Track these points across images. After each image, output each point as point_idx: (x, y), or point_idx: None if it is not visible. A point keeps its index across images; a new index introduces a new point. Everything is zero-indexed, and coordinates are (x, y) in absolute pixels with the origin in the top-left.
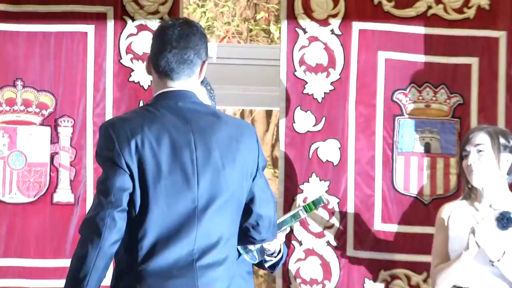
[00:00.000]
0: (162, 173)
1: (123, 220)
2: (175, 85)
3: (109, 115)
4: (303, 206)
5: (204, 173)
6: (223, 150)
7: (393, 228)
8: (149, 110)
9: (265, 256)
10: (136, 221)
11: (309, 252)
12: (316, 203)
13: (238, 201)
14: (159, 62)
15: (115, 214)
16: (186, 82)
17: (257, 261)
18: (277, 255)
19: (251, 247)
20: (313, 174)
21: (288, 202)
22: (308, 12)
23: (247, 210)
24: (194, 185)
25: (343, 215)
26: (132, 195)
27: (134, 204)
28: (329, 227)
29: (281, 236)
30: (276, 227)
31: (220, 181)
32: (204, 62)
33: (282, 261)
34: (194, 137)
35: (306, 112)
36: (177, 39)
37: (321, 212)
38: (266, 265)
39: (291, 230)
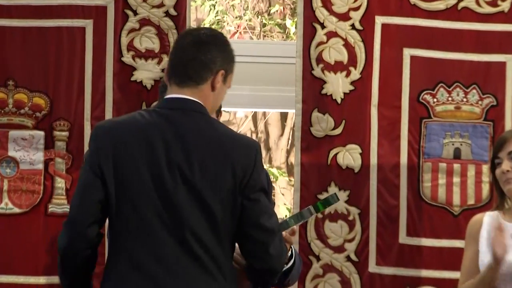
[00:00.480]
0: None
1: None
2: (181, 92)
3: (109, 118)
4: (312, 205)
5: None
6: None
7: (419, 241)
8: (142, 115)
9: None
10: None
11: (328, 268)
12: (326, 202)
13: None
14: (169, 68)
15: None
16: (193, 90)
17: None
18: (288, 261)
19: None
20: (332, 183)
21: None
22: (327, 5)
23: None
24: None
25: (364, 227)
26: None
27: None
28: (350, 240)
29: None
30: None
31: None
32: (219, 72)
33: (295, 272)
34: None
35: (324, 114)
36: (187, 47)
37: (340, 224)
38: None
39: (308, 244)
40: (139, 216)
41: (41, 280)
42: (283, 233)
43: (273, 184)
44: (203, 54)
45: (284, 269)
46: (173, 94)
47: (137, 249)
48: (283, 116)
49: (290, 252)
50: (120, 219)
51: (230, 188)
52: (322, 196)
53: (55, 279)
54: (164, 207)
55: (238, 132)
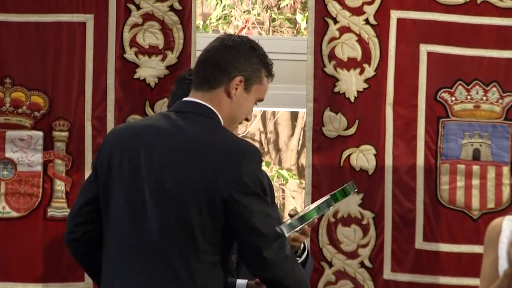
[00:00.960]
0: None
1: None
2: (194, 95)
3: (110, 118)
4: (330, 195)
5: None
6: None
7: (437, 247)
8: (154, 117)
9: None
10: None
11: (340, 275)
12: (345, 192)
13: None
14: (193, 72)
15: None
16: (205, 94)
17: None
18: (302, 253)
19: None
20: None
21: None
22: None
23: None
24: None
25: (379, 232)
26: None
27: None
28: (363, 245)
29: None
30: None
31: None
32: (236, 77)
33: (308, 269)
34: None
35: (336, 114)
36: (210, 50)
37: (354, 228)
38: None
39: (320, 250)
40: (116, 221)
41: (40, 287)
42: (291, 234)
43: (283, 187)
44: (222, 57)
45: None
46: (189, 97)
47: (111, 255)
48: (294, 116)
49: (302, 245)
50: (105, 222)
51: (211, 194)
52: None
53: (54, 287)
54: (137, 214)
55: (245, 132)
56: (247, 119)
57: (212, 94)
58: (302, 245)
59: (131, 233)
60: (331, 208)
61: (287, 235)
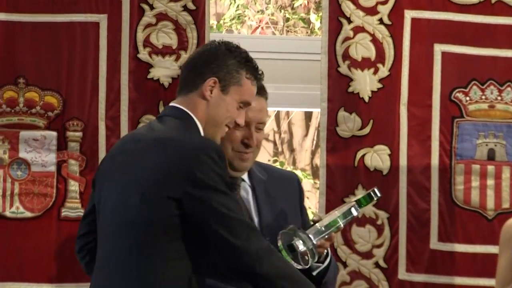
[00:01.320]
0: None
1: None
2: (177, 101)
3: (124, 118)
4: (355, 201)
5: None
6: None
7: (452, 247)
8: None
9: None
10: None
11: (355, 275)
12: (370, 197)
13: None
14: None
15: None
16: (184, 99)
17: (305, 266)
18: (325, 259)
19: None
20: (359, 185)
21: None
22: None
23: None
24: None
25: (394, 233)
26: None
27: None
28: (378, 246)
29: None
30: None
31: None
32: (210, 79)
33: (331, 273)
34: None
35: (351, 114)
36: (187, 59)
37: (368, 228)
38: (314, 273)
39: (334, 250)
40: (99, 228)
41: (54, 287)
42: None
43: None
44: (196, 61)
45: (321, 269)
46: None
47: (97, 262)
48: (308, 116)
49: (326, 251)
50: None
51: (165, 190)
52: (348, 200)
53: (68, 287)
54: (108, 218)
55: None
56: (237, 124)
57: (189, 97)
58: (325, 251)
59: (104, 239)
60: (356, 214)
61: (315, 242)
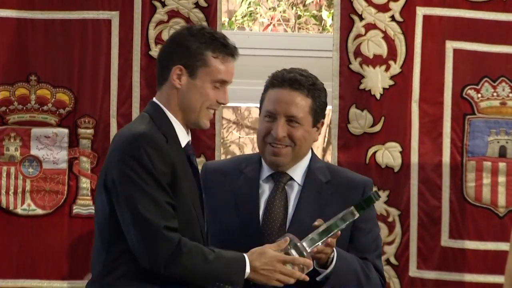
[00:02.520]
0: None
1: None
2: (155, 96)
3: (135, 115)
4: (353, 206)
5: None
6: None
7: (463, 244)
8: None
9: (316, 267)
10: None
11: None
12: (370, 201)
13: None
14: None
15: None
16: (160, 93)
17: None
18: (330, 264)
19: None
20: None
21: None
22: None
23: None
24: None
25: (405, 230)
26: None
27: None
28: (389, 243)
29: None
30: None
31: None
32: (176, 68)
33: (339, 277)
34: None
35: (362, 111)
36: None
37: (380, 225)
38: (318, 278)
39: None
40: None
41: (65, 284)
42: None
43: None
44: (161, 54)
45: (323, 275)
46: None
47: None
48: None
49: (332, 254)
50: None
51: (105, 181)
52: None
53: (79, 284)
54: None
55: None
56: (220, 103)
57: (162, 90)
58: (332, 254)
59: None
60: (355, 217)
61: (309, 250)
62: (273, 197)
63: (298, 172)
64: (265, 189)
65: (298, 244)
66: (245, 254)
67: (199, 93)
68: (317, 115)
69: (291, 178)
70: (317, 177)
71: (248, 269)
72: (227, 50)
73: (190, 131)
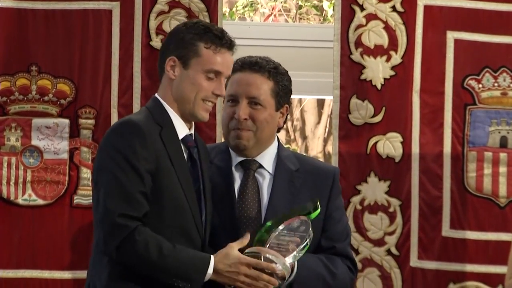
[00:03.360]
0: None
1: None
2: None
3: (136, 106)
4: (290, 209)
5: None
6: None
7: (464, 234)
8: None
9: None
10: None
11: (367, 262)
12: (304, 208)
13: None
14: None
15: None
16: (160, 86)
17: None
18: (291, 273)
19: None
20: (372, 173)
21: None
22: None
23: None
24: None
25: (406, 220)
26: None
27: None
28: (390, 233)
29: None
30: None
31: None
32: (169, 59)
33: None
34: None
35: (363, 101)
36: None
37: (380, 216)
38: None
39: None
40: None
41: (67, 275)
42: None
43: None
44: (161, 47)
45: (286, 283)
46: None
47: None
48: (320, 103)
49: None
50: None
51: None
52: (360, 187)
53: (81, 274)
54: None
55: None
56: (215, 95)
57: (161, 83)
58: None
59: None
60: (289, 225)
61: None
62: (245, 185)
63: (267, 159)
64: (236, 178)
65: (268, 256)
66: (212, 256)
67: (191, 83)
68: (280, 98)
69: (261, 166)
70: (286, 165)
71: (210, 271)
72: (220, 41)
73: (194, 124)
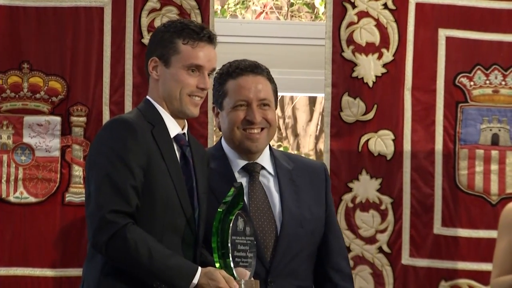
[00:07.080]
0: None
1: None
2: None
3: (128, 103)
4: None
5: None
6: None
7: (455, 232)
8: None
9: None
10: None
11: (359, 260)
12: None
13: None
14: None
15: None
16: (149, 87)
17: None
18: None
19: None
20: (363, 170)
21: (335, 203)
22: None
23: None
24: None
25: (397, 217)
26: None
27: None
28: (382, 231)
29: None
30: None
31: None
32: (151, 60)
33: None
34: None
35: (355, 99)
36: None
37: (372, 213)
38: None
39: None
40: None
41: (58, 272)
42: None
43: None
44: (146, 51)
45: None
46: None
47: None
48: (312, 101)
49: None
50: None
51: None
52: (352, 185)
53: (72, 272)
54: None
55: None
56: (200, 88)
57: (149, 86)
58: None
59: None
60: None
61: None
62: (253, 190)
63: (265, 160)
64: (243, 183)
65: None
66: (200, 268)
67: (174, 80)
68: (276, 98)
69: (263, 168)
70: (283, 165)
71: (196, 281)
72: (198, 35)
73: (187, 123)
